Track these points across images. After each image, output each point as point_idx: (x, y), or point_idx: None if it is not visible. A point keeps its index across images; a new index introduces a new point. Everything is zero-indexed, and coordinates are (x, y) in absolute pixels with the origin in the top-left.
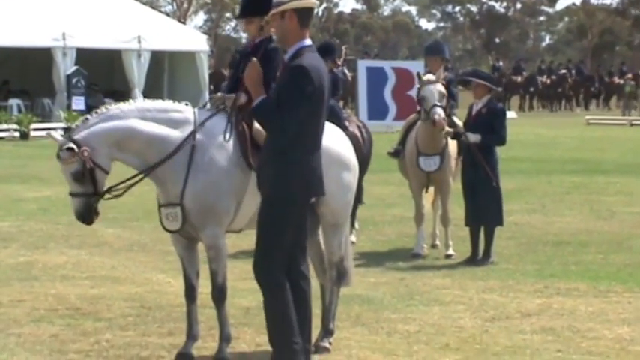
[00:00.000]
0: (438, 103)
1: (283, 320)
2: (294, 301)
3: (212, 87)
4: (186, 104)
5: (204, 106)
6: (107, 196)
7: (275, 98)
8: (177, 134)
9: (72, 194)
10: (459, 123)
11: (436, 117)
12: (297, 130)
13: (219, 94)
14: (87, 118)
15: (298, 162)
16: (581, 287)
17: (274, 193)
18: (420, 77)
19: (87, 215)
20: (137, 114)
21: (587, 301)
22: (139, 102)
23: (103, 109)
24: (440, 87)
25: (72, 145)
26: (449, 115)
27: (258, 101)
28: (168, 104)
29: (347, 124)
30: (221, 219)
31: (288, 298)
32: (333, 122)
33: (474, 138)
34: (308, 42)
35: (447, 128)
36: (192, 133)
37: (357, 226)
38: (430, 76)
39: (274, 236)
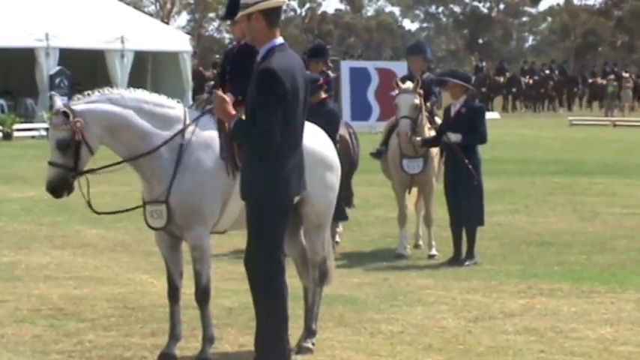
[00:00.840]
0: (407, 115)
1: (281, 324)
2: None
3: (195, 87)
4: (178, 102)
5: (191, 107)
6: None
7: (249, 104)
8: (168, 132)
9: (50, 163)
10: (439, 122)
11: (401, 129)
12: (276, 132)
13: (204, 95)
14: (89, 94)
15: (278, 163)
16: (564, 288)
17: (256, 196)
18: (397, 84)
19: (58, 188)
20: (135, 103)
21: (570, 301)
22: (138, 92)
23: (105, 90)
24: (414, 98)
25: (68, 110)
26: (432, 115)
27: (233, 124)
28: (163, 99)
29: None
30: (206, 220)
31: (286, 302)
32: (330, 126)
33: (454, 137)
34: (279, 41)
35: (416, 138)
36: (182, 131)
37: (340, 227)
38: (408, 85)
39: (265, 239)
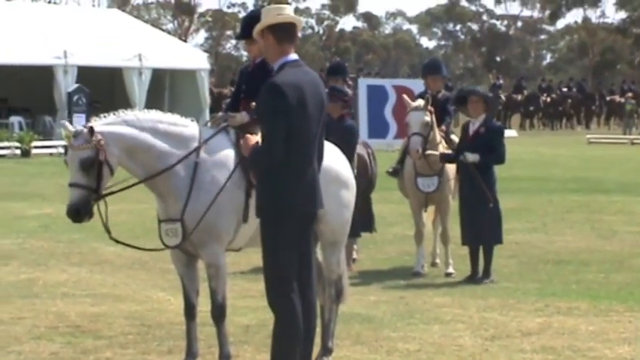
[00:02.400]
0: (418, 132)
1: (292, 342)
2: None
3: (212, 105)
4: (192, 120)
5: (206, 124)
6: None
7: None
8: (183, 151)
9: (72, 185)
10: (456, 140)
11: (411, 146)
12: (283, 146)
13: (219, 113)
14: (105, 116)
15: (289, 178)
16: (581, 306)
17: (266, 212)
18: (407, 102)
19: (82, 209)
20: (151, 124)
21: (587, 320)
22: (152, 112)
23: (120, 112)
24: (424, 115)
25: (88, 130)
26: (447, 135)
27: (250, 152)
28: (177, 118)
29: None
30: (221, 237)
31: (298, 323)
32: (348, 142)
33: (472, 157)
34: (292, 57)
35: (434, 152)
36: (197, 150)
37: (356, 245)
38: (419, 103)
39: (275, 255)
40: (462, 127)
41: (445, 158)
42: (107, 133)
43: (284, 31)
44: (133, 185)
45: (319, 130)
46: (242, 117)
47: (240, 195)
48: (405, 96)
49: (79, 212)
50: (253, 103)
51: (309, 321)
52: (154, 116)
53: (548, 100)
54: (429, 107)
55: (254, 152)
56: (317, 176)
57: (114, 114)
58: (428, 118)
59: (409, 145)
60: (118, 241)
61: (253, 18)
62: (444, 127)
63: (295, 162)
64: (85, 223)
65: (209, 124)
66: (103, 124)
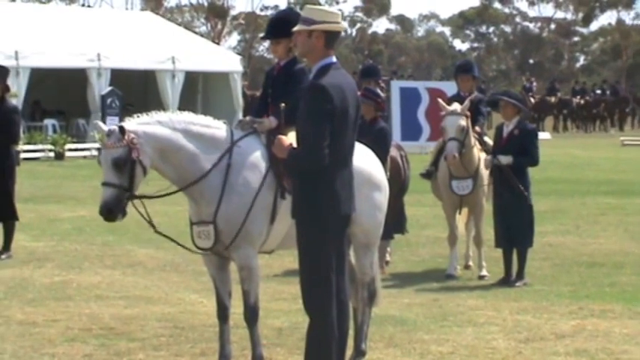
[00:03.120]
0: (455, 137)
1: (323, 349)
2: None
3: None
4: (225, 123)
5: (236, 127)
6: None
7: (300, 123)
8: (216, 154)
9: (105, 184)
10: (490, 142)
11: (448, 152)
12: (324, 147)
13: (247, 117)
14: (139, 116)
15: (326, 180)
16: (616, 309)
17: (304, 214)
18: (443, 106)
19: (115, 208)
20: (184, 125)
21: (622, 322)
22: (185, 114)
23: (153, 113)
24: (461, 120)
25: (122, 129)
26: (480, 136)
27: (287, 155)
28: (210, 120)
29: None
30: (253, 240)
31: (333, 326)
32: (381, 144)
33: (505, 160)
34: (333, 59)
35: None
36: (229, 151)
37: (389, 248)
38: (455, 107)
39: (314, 257)
40: (496, 129)
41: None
42: (141, 133)
43: (334, 39)
44: (171, 193)
45: (355, 133)
46: (270, 122)
47: (270, 197)
48: (440, 100)
49: (111, 211)
50: (283, 105)
51: (342, 324)
52: (187, 118)
53: (582, 102)
54: (466, 111)
55: (294, 155)
56: (352, 178)
57: (147, 114)
58: (464, 123)
59: (446, 150)
60: (164, 235)
61: (280, 19)
62: (477, 129)
63: (335, 164)
64: (118, 222)
65: (238, 127)
66: (137, 123)
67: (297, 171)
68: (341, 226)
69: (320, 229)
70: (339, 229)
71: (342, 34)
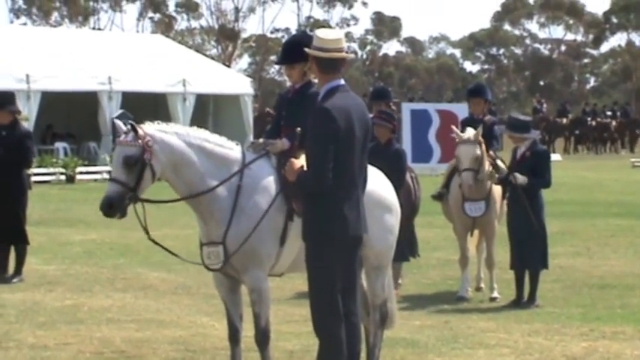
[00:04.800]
0: (469, 167)
1: None
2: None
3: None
4: (237, 144)
5: (247, 149)
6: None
7: (307, 143)
8: (227, 174)
9: (112, 179)
10: (503, 166)
11: (464, 182)
12: (328, 168)
13: (260, 140)
14: (158, 123)
15: (334, 202)
16: (627, 331)
17: (313, 235)
18: (457, 134)
19: (116, 205)
20: (199, 142)
21: (633, 344)
22: (201, 131)
23: (171, 124)
24: (475, 148)
25: (138, 128)
26: (494, 159)
27: (297, 176)
28: (224, 140)
29: None
30: (263, 262)
31: (342, 349)
32: (396, 167)
33: (521, 179)
34: (340, 82)
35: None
36: (240, 172)
37: (402, 270)
38: (469, 135)
39: (321, 279)
40: (512, 151)
41: (498, 181)
42: (158, 138)
43: (325, 65)
44: (175, 200)
45: (364, 155)
46: (282, 144)
47: (280, 219)
48: (454, 127)
49: (111, 207)
50: (299, 129)
51: (354, 346)
52: (203, 134)
53: (593, 123)
54: (479, 138)
55: (301, 177)
56: (362, 200)
57: (166, 124)
58: (479, 152)
59: (461, 181)
60: (156, 243)
61: (294, 43)
62: (491, 153)
63: (342, 186)
64: (127, 241)
65: (250, 149)
66: (156, 129)
67: (305, 193)
68: (351, 248)
69: (328, 250)
70: (348, 251)
71: (353, 56)
